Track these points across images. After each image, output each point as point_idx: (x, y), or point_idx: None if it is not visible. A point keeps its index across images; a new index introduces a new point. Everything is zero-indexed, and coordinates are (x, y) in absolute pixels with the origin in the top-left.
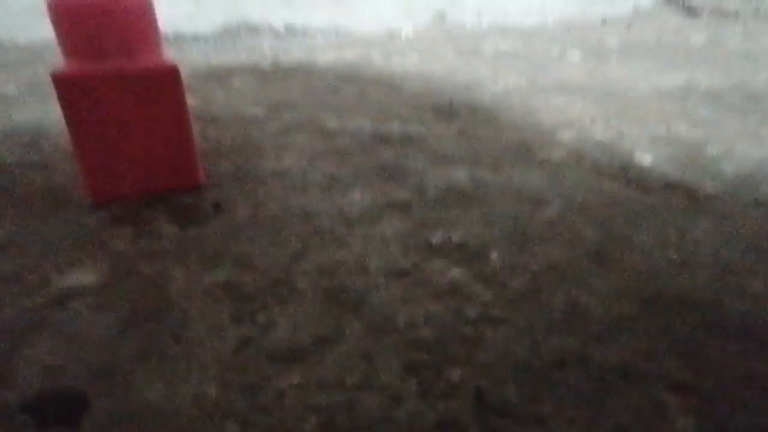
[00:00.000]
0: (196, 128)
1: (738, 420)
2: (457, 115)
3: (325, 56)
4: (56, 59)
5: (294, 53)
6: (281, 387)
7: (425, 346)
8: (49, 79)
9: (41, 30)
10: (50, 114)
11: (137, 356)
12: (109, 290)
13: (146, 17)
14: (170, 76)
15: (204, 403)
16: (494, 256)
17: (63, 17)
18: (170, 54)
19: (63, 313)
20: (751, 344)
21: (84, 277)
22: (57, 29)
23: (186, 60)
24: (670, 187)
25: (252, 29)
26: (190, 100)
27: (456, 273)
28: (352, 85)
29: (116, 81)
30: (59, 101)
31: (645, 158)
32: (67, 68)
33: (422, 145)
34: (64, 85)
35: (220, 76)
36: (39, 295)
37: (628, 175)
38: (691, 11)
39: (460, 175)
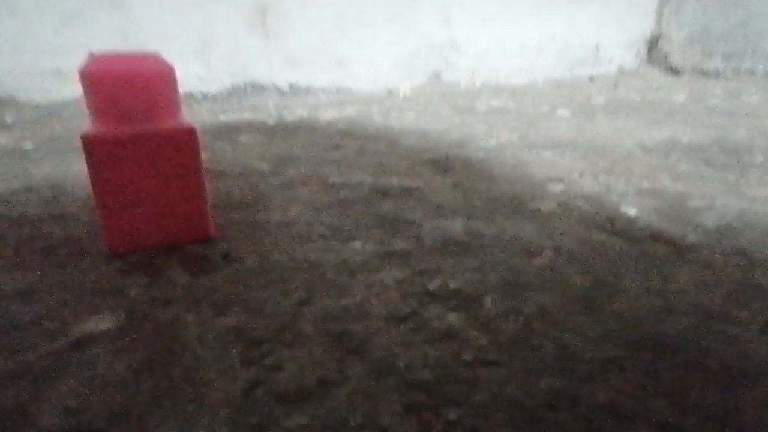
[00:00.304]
0: (207, 183)
1: None
2: (453, 169)
3: (328, 113)
4: (72, 117)
5: (298, 111)
6: (288, 427)
7: (424, 388)
8: (65, 136)
9: (58, 90)
10: (67, 169)
11: (152, 398)
12: (126, 335)
13: (169, 84)
14: (188, 136)
15: None
16: (488, 302)
17: (94, 84)
18: (188, 117)
19: (82, 357)
20: (731, 385)
21: (101, 323)
22: (87, 94)
23: (196, 118)
24: (654, 237)
25: (258, 89)
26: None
27: (453, 318)
28: (353, 140)
29: (140, 142)
30: (87, 160)
31: (631, 210)
32: (95, 130)
33: (420, 198)
34: (92, 145)
35: (228, 132)
36: (59, 341)
37: (615, 225)
38: (673, 70)
39: (456, 225)
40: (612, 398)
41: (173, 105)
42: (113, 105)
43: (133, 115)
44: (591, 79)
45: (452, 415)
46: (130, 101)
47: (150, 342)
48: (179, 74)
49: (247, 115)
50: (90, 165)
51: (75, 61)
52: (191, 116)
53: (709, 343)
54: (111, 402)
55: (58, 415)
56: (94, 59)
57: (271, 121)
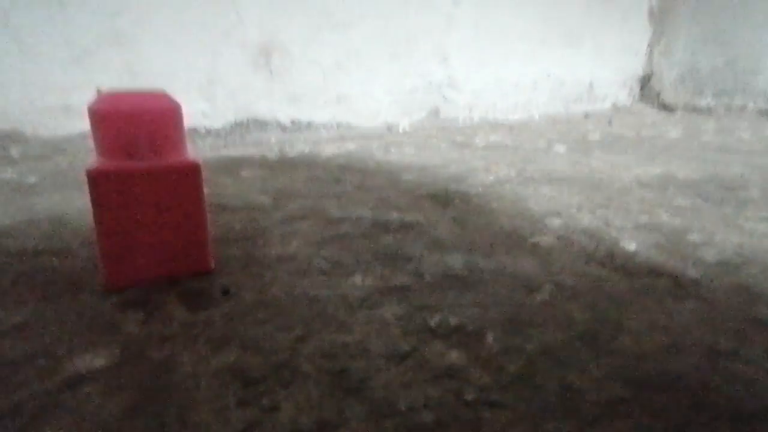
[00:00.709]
0: (208, 217)
1: None
2: (452, 203)
3: (328, 149)
4: (77, 153)
5: (299, 146)
6: None
7: (425, 430)
8: (70, 171)
9: (65, 126)
10: (70, 203)
11: None
12: (119, 374)
13: (175, 120)
14: (192, 171)
15: None
16: (490, 339)
17: (102, 121)
18: (192, 151)
19: (74, 396)
20: (740, 426)
21: (95, 360)
22: (94, 131)
23: (200, 152)
24: (655, 272)
25: (261, 124)
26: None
27: (454, 355)
28: (353, 175)
29: (144, 176)
30: (90, 194)
31: (630, 245)
32: (100, 164)
33: (420, 232)
34: (96, 179)
35: (231, 167)
36: (51, 379)
37: (615, 260)
38: (666, 107)
39: (455, 260)
40: None
41: (179, 140)
42: (120, 141)
43: (138, 151)
44: (586, 115)
45: None
46: (136, 137)
47: (143, 381)
48: (183, 109)
49: (249, 150)
50: (93, 199)
51: (82, 98)
52: (194, 151)
53: (718, 383)
54: None
55: None
56: (103, 97)
57: (272, 156)
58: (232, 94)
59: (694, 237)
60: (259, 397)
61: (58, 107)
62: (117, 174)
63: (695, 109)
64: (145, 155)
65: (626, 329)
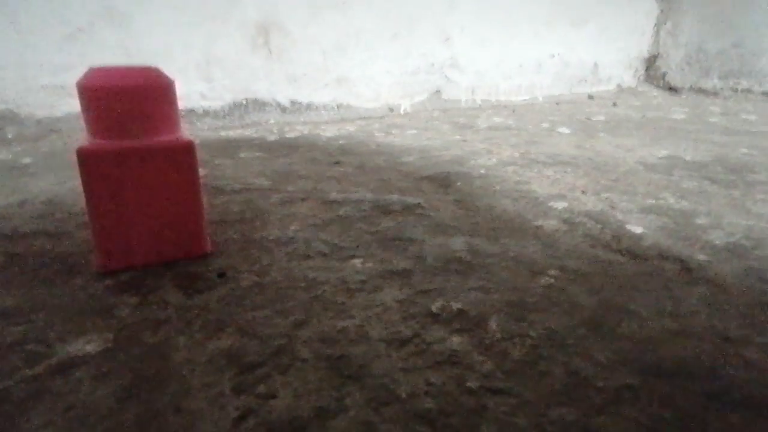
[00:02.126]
0: (205, 199)
1: None
2: (454, 186)
3: (328, 130)
4: (72, 133)
5: (299, 127)
6: None
7: (427, 418)
8: (64, 151)
9: (60, 106)
10: (64, 185)
11: (136, 428)
12: (112, 359)
13: (168, 98)
14: (186, 150)
15: None
16: (493, 324)
17: (91, 97)
18: (186, 131)
19: (64, 382)
20: (753, 416)
21: (87, 345)
22: (84, 108)
23: (196, 133)
24: (662, 256)
25: (259, 105)
26: (200, 171)
27: (456, 341)
28: (353, 157)
29: (136, 156)
30: (81, 175)
31: (636, 228)
32: (90, 144)
33: (421, 215)
34: (87, 159)
35: (229, 148)
36: (41, 364)
37: (621, 244)
38: (671, 89)
39: (458, 243)
40: (627, 430)
41: (172, 119)
42: (110, 118)
43: (130, 129)
44: (590, 97)
45: None
46: (127, 115)
47: (137, 366)
48: (181, 90)
49: (248, 132)
50: (84, 179)
51: (77, 77)
52: (192, 132)
53: (729, 370)
54: None
55: None
56: (92, 72)
57: (271, 138)
58: (230, 75)
59: (701, 220)
60: (255, 384)
61: (53, 87)
62: (108, 153)
63: (701, 91)
64: (137, 134)
65: (633, 314)
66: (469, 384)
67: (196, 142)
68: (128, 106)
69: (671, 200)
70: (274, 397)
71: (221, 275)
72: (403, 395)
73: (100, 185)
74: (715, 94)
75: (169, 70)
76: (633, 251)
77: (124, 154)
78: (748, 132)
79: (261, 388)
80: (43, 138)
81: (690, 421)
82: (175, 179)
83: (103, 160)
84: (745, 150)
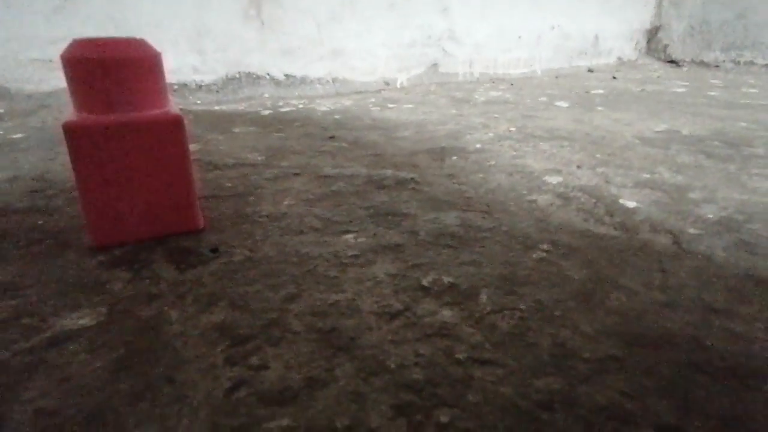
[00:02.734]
0: (196, 174)
1: None
2: (449, 160)
3: (323, 104)
4: (63, 108)
5: (293, 102)
6: (271, 429)
7: (415, 388)
8: (55, 126)
9: (49, 80)
10: (55, 160)
11: (130, 398)
12: (105, 332)
13: (154, 70)
14: (174, 124)
15: None
16: (484, 297)
17: (76, 70)
18: (175, 105)
19: (59, 355)
20: (736, 385)
21: (81, 319)
22: (69, 81)
23: (189, 108)
24: (654, 230)
25: (253, 79)
26: (192, 146)
27: (447, 314)
28: (348, 132)
29: (124, 130)
30: (69, 150)
31: (630, 202)
32: (77, 118)
33: (415, 190)
34: (74, 133)
35: (222, 123)
36: (35, 338)
37: (614, 218)
38: (673, 61)
39: (451, 218)
40: (611, 399)
41: (159, 92)
42: (96, 92)
43: (117, 103)
44: (590, 70)
45: (444, 417)
46: (113, 88)
47: (130, 339)
48: (172, 63)
49: (241, 106)
50: (72, 154)
51: None
52: (185, 106)
53: (713, 341)
54: (86, 403)
55: (28, 418)
56: (76, 44)
57: (265, 112)
58: (222, 47)
59: (695, 194)
60: (247, 356)
61: (42, 61)
62: (94, 128)
63: (702, 64)
64: (124, 108)
65: (622, 287)
66: (457, 355)
67: (189, 116)
68: (114, 78)
69: (666, 175)
70: (265, 368)
71: (214, 250)
72: (392, 366)
73: (87, 160)
74: (717, 66)
75: (159, 43)
76: (625, 225)
77: (111, 128)
78: (748, 105)
79: (253, 360)
80: (34, 113)
81: (673, 390)
82: (164, 154)
83: (89, 135)
84: (744, 124)
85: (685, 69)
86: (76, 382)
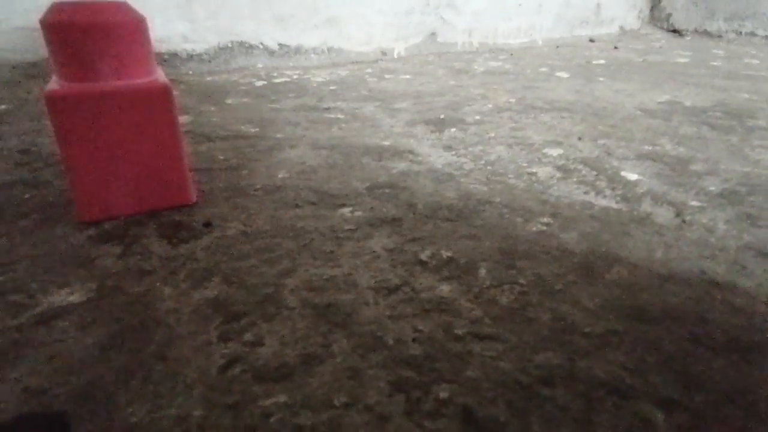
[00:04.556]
0: (188, 146)
1: None
2: (448, 132)
3: (318, 75)
4: (49, 78)
5: (287, 72)
6: (267, 407)
7: (413, 363)
8: (41, 97)
9: (35, 49)
10: (42, 132)
11: (121, 376)
12: (95, 309)
13: (139, 36)
14: (162, 94)
15: (188, 424)
16: (483, 271)
17: (55, 35)
18: (163, 72)
19: (48, 332)
20: (737, 359)
21: (70, 296)
22: (50, 47)
23: (180, 78)
24: (656, 202)
25: (246, 48)
26: (184, 118)
27: (445, 289)
28: (344, 103)
29: (108, 99)
30: (51, 120)
31: (631, 174)
32: (58, 87)
33: (413, 162)
34: (56, 103)
35: (214, 94)
36: (23, 315)
37: (615, 190)
38: (676, 31)
39: (449, 191)
40: (612, 374)
41: (145, 60)
42: (78, 59)
43: (100, 71)
44: (591, 40)
45: (443, 393)
46: (95, 55)
47: (121, 316)
48: (161, 31)
49: (234, 77)
50: (55, 125)
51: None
52: (177, 77)
53: (714, 315)
54: (76, 381)
55: (16, 397)
56: (56, 8)
57: (259, 83)
58: (213, 14)
59: (697, 166)
60: (241, 332)
61: (28, 29)
62: (77, 97)
63: (705, 34)
64: (108, 76)
65: (623, 260)
66: (456, 331)
67: (180, 87)
68: (96, 44)
69: (668, 146)
70: (260, 344)
71: (207, 224)
72: (390, 342)
73: (71, 131)
74: (720, 36)
75: (146, 9)
76: (627, 198)
77: (94, 97)
78: (750, 77)
79: (248, 336)
80: (19, 84)
81: (674, 364)
82: (152, 125)
83: (72, 104)
84: (746, 95)
85: (687, 39)
86: (65, 360)
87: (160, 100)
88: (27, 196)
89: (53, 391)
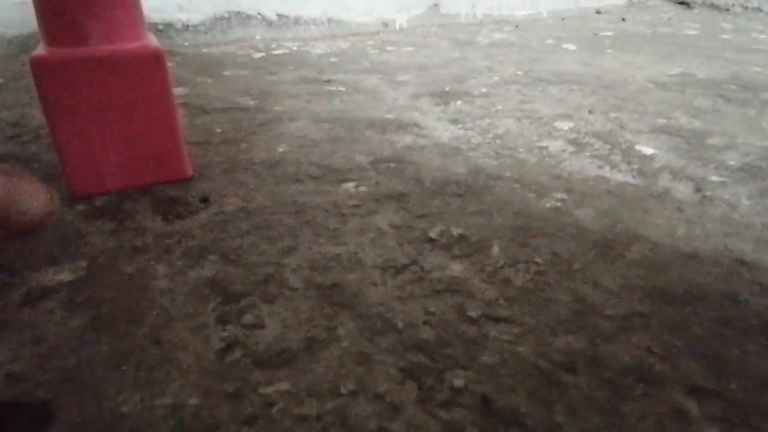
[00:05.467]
0: (184, 119)
1: None
2: (454, 105)
3: (318, 47)
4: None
5: (286, 44)
6: (268, 395)
7: (425, 348)
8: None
9: (31, 23)
10: (33, 105)
11: (111, 361)
12: (85, 288)
13: (128, 0)
14: (154, 60)
15: (183, 414)
16: (496, 250)
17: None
18: (155, 40)
19: (34, 313)
20: None
21: (59, 274)
22: (36, 10)
23: (176, 50)
24: (674, 177)
25: (243, 19)
26: (179, 90)
27: (456, 268)
28: (345, 75)
29: (97, 66)
30: (36, 87)
31: (647, 149)
32: (45, 52)
33: (418, 136)
34: (40, 69)
35: (211, 66)
36: (9, 294)
37: (631, 165)
38: (683, 2)
39: (457, 166)
40: (638, 359)
41: (135, 24)
42: (64, 22)
43: (88, 35)
44: (598, 11)
45: (458, 381)
46: (83, 18)
47: (112, 296)
48: (157, 1)
49: (231, 48)
50: (40, 92)
51: None
52: (172, 48)
53: (744, 295)
54: (62, 367)
55: None
56: None
57: (257, 55)
58: None
59: (715, 140)
60: (241, 314)
61: (25, 3)
62: (63, 62)
63: (713, 6)
64: (96, 41)
65: (643, 238)
66: (469, 313)
67: (176, 59)
68: (84, 7)
69: (683, 120)
70: (261, 327)
71: (204, 200)
72: (400, 325)
73: (58, 99)
74: (727, 10)
75: None
76: (644, 172)
77: (82, 64)
78: (759, 50)
79: (247, 318)
80: (15, 57)
81: (704, 348)
82: (144, 92)
83: (58, 70)
84: (758, 68)
85: (695, 11)
86: (51, 343)
87: (151, 65)
88: (17, 170)
89: (37, 377)
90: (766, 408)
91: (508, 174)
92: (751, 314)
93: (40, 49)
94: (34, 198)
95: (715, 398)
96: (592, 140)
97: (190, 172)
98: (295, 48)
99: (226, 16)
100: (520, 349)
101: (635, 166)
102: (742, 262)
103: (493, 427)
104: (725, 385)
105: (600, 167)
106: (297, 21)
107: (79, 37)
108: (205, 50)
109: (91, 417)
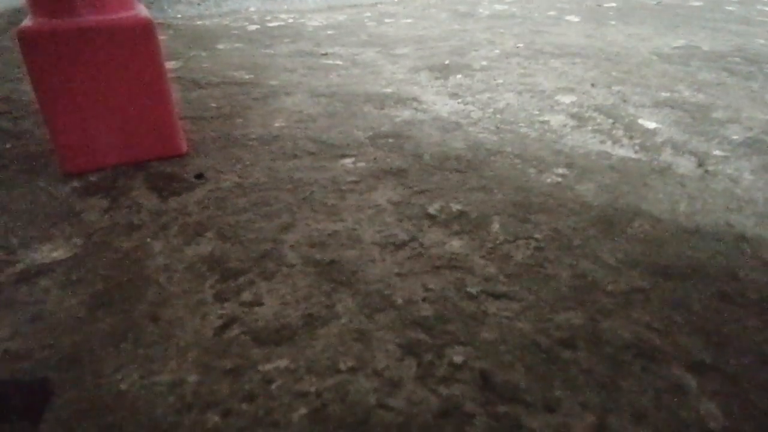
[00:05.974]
0: (179, 93)
1: None
2: (453, 78)
3: (314, 19)
4: None
5: (282, 16)
6: (267, 372)
7: (424, 325)
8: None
9: None
10: (23, 80)
11: (109, 339)
12: (81, 266)
13: None
14: (143, 30)
15: (182, 391)
16: (496, 225)
17: None
18: (145, 10)
19: (29, 291)
20: None
21: (54, 252)
22: None
23: (168, 22)
24: (677, 151)
25: None
26: (172, 63)
27: (456, 244)
28: (343, 48)
29: (85, 37)
30: (24, 60)
31: (649, 123)
32: (32, 23)
33: (417, 110)
34: (27, 41)
35: (205, 39)
36: (3, 273)
37: (633, 139)
38: None
39: (457, 141)
40: (638, 335)
41: None
42: None
43: (76, 6)
44: None
45: (457, 357)
46: None
47: (109, 274)
48: None
49: (225, 21)
50: (29, 65)
51: None
52: (164, 20)
53: (745, 271)
54: (59, 344)
55: None
56: None
57: (252, 27)
58: None
59: (718, 114)
60: (239, 291)
61: None
62: (51, 34)
63: None
64: (85, 11)
65: (645, 213)
66: (469, 289)
67: (169, 32)
68: None
69: (687, 93)
70: (259, 304)
71: (199, 176)
72: (399, 301)
73: (46, 72)
74: None
75: None
76: (646, 147)
77: (69, 34)
78: (764, 23)
79: (245, 296)
80: (5, 31)
81: (704, 324)
82: (135, 65)
83: (46, 41)
84: (762, 41)
85: None
86: (48, 321)
87: (142, 36)
88: (8, 146)
89: (35, 355)
90: (765, 383)
91: (508, 149)
92: (751, 290)
93: (28, 21)
94: None
95: (715, 373)
96: (594, 114)
97: (184, 147)
98: (290, 20)
99: None
100: (520, 325)
101: (637, 141)
102: (743, 238)
103: (493, 402)
104: (724, 360)
105: (602, 142)
106: None
107: (67, 8)
108: (198, 23)
109: (89, 394)
